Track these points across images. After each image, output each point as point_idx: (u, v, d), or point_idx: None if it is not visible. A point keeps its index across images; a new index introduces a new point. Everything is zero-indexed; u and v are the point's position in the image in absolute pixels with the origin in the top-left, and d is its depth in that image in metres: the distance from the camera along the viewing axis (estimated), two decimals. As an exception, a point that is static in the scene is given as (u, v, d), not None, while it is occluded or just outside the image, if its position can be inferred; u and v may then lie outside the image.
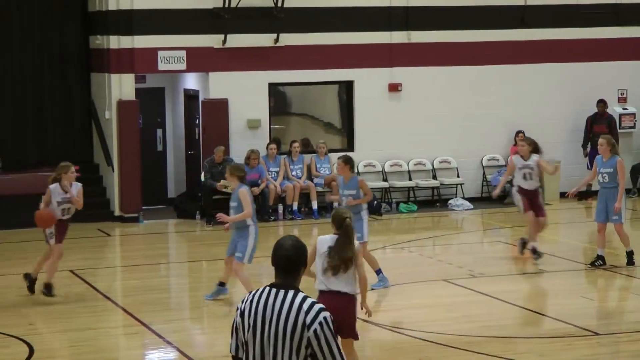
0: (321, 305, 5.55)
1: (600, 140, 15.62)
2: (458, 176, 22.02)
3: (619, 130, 22.54)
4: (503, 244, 18.61)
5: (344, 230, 9.49)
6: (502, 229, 19.97)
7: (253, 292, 5.67)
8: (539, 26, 22.42)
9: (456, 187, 21.97)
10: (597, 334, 12.13)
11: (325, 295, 9.39)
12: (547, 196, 22.08)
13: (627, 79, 22.99)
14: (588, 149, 22.27)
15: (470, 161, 22.23)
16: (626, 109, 23.01)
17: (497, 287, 14.55)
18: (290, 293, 5.55)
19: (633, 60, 22.98)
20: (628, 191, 20.98)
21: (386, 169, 21.87)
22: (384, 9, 21.67)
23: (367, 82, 21.71)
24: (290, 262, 5.61)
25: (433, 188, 21.86)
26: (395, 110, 21.85)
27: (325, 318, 5.51)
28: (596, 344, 11.77)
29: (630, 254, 15.65)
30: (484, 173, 22.30)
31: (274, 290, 5.59)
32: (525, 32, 22.36)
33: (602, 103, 22.31)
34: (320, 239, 9.67)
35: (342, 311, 9.30)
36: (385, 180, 21.75)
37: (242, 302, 5.67)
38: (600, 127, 22.12)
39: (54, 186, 13.90)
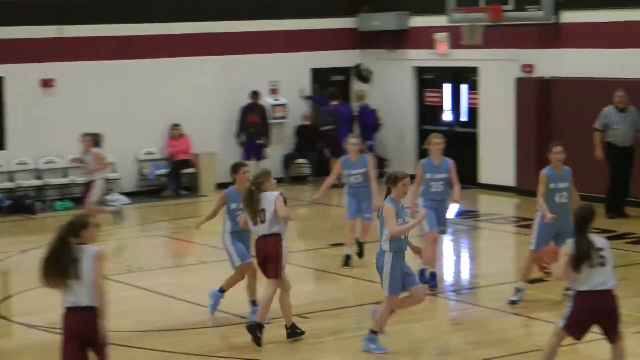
0: None
1: (352, 140, 14.90)
2: (114, 171, 21.75)
3: (272, 121, 23.15)
4: (161, 237, 18.65)
5: None
6: (161, 222, 20.00)
7: None
8: (194, 20, 22.56)
9: (113, 183, 21.68)
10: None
11: None
12: (204, 188, 22.34)
13: (278, 71, 23.58)
14: (242, 139, 22.71)
15: (126, 156, 22.03)
16: (278, 100, 23.62)
17: (156, 280, 14.57)
18: None
19: (284, 52, 23.58)
20: (281, 180, 21.55)
21: (40, 167, 21.30)
22: (35, 3, 21.08)
23: (19, 78, 21.02)
24: None
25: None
26: (50, 106, 21.31)
27: None
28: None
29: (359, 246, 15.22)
30: (140, 167, 22.25)
31: None
32: (181, 25, 22.41)
33: (254, 94, 22.79)
34: None
35: None
36: (39, 178, 21.20)
37: None
38: (253, 117, 22.64)
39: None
